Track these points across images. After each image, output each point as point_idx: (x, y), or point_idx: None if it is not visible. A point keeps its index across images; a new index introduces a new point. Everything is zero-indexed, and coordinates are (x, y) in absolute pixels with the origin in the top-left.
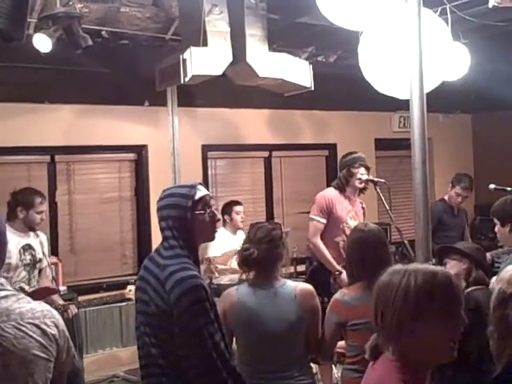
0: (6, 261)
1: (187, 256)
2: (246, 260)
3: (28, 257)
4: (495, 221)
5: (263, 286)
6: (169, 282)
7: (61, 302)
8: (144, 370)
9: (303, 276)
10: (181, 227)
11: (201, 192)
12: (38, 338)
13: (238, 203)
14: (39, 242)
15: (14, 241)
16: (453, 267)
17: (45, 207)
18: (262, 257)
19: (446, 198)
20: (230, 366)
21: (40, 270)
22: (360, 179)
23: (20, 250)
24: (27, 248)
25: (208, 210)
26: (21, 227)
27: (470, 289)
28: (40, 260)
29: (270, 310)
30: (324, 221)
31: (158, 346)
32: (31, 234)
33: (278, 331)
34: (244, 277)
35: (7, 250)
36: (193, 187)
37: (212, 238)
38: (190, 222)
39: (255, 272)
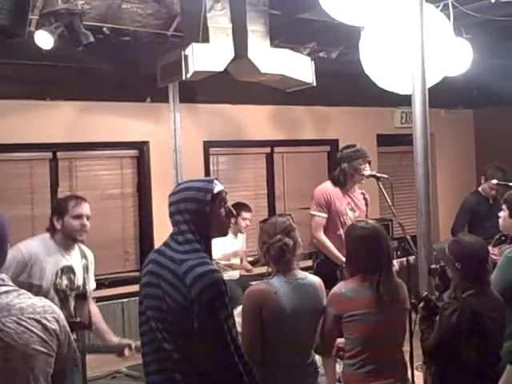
0: (37, 282)
1: (204, 250)
2: (283, 251)
3: (65, 281)
4: (504, 208)
5: (292, 277)
6: (189, 276)
7: (115, 340)
8: (152, 365)
9: (308, 271)
10: (199, 221)
11: (218, 187)
12: (39, 333)
13: (247, 209)
14: (84, 264)
15: (51, 260)
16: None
17: (84, 210)
18: (293, 246)
19: (479, 189)
20: (244, 361)
21: (79, 298)
22: (364, 175)
23: (57, 272)
24: (66, 271)
25: (225, 205)
26: (62, 241)
27: (465, 294)
28: (78, 287)
29: (305, 300)
30: (325, 215)
31: (173, 342)
32: (76, 253)
33: (310, 321)
34: (246, 273)
35: (40, 270)
36: (210, 181)
37: (225, 234)
38: (208, 216)
39: (284, 264)
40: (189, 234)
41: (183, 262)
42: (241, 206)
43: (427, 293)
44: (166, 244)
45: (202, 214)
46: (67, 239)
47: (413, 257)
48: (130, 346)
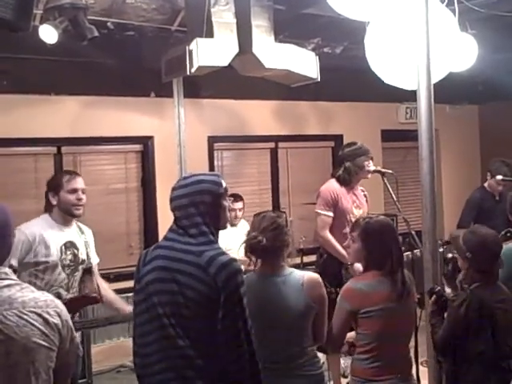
0: (44, 259)
1: (217, 242)
2: (254, 248)
3: (69, 256)
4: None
5: (271, 274)
6: (212, 266)
7: (129, 308)
8: (158, 365)
9: (311, 267)
10: (213, 213)
11: (224, 181)
12: (40, 327)
13: (236, 199)
14: (84, 240)
15: (54, 236)
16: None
17: (78, 184)
18: (270, 245)
19: (485, 185)
20: (254, 350)
21: (85, 273)
22: (368, 171)
23: (61, 248)
24: (69, 246)
25: (228, 199)
26: (60, 217)
27: (472, 286)
28: (83, 262)
29: (278, 298)
30: (331, 214)
31: (187, 337)
32: (75, 228)
33: (287, 320)
34: (252, 267)
35: (45, 248)
36: (218, 175)
37: (225, 227)
38: (219, 208)
39: (262, 261)
40: (203, 226)
41: (202, 253)
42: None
43: (439, 288)
44: (170, 239)
45: (216, 206)
46: (65, 214)
47: (417, 251)
48: None
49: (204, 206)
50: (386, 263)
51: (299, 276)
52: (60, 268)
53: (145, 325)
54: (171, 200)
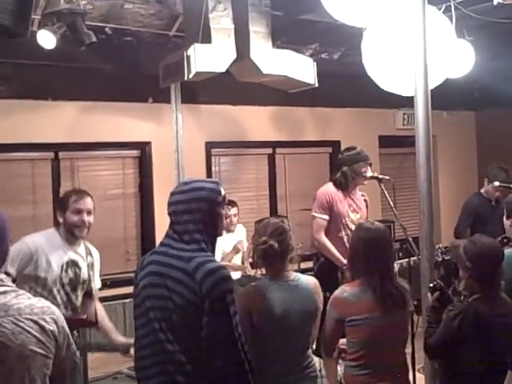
0: (42, 275)
1: (210, 251)
2: (266, 253)
3: (70, 275)
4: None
5: (282, 279)
6: (199, 272)
7: (121, 340)
8: (152, 368)
9: (309, 273)
10: (209, 221)
11: (222, 189)
12: (36, 334)
13: (230, 204)
14: (89, 262)
15: (56, 253)
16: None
17: (83, 205)
18: (281, 249)
19: (482, 191)
20: (248, 358)
21: (85, 296)
22: (365, 177)
23: (63, 266)
24: (71, 265)
25: (225, 208)
26: (65, 235)
27: (471, 298)
28: (84, 282)
29: (296, 302)
30: (326, 217)
31: (177, 343)
32: (81, 249)
33: (302, 324)
34: (258, 273)
35: (46, 262)
36: (217, 183)
37: (221, 234)
38: (216, 216)
39: (268, 266)
40: (196, 233)
41: (191, 259)
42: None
43: (443, 284)
44: (165, 244)
45: (213, 214)
46: (69, 234)
47: (414, 258)
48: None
49: (200, 213)
50: (371, 273)
51: (306, 280)
52: (59, 285)
53: (141, 328)
54: (169, 204)
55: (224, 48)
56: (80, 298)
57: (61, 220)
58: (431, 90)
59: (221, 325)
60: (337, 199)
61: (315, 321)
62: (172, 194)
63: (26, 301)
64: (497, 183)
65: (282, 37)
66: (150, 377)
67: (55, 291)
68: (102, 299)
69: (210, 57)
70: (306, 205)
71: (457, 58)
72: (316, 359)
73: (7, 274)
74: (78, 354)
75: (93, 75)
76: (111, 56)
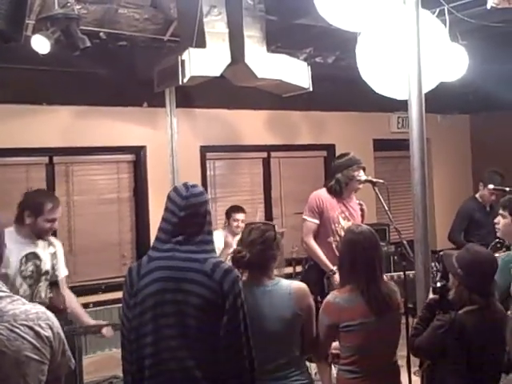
0: (2, 270)
1: (214, 251)
2: (237, 262)
3: (30, 267)
4: (506, 214)
5: (257, 284)
6: (217, 272)
7: (92, 322)
8: (154, 379)
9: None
10: (210, 221)
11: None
12: (31, 340)
13: (239, 210)
14: (50, 252)
15: (16, 249)
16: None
17: (57, 214)
18: (255, 259)
19: (477, 196)
20: (254, 355)
21: (52, 285)
22: (359, 181)
23: (22, 260)
24: (31, 257)
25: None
26: (28, 234)
27: (462, 311)
28: (46, 272)
29: (265, 308)
30: (316, 221)
31: (188, 349)
32: (40, 242)
33: (275, 329)
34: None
35: (5, 258)
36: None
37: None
38: (210, 215)
39: (248, 272)
40: (207, 235)
41: (206, 260)
42: (232, 209)
43: (447, 284)
44: (167, 249)
45: (209, 214)
46: (33, 234)
47: (411, 272)
48: (107, 325)
49: (208, 215)
50: (358, 276)
51: (286, 285)
52: (21, 279)
53: (141, 338)
54: (183, 208)
55: (218, 52)
56: (45, 289)
57: (28, 222)
58: (425, 94)
59: (240, 322)
60: (328, 204)
61: (296, 327)
62: (186, 197)
63: (21, 306)
64: (491, 186)
65: (276, 41)
66: (151, 377)
67: (18, 285)
68: (98, 303)
69: (204, 61)
70: (300, 208)
71: (450, 61)
72: (313, 365)
73: None
74: (72, 359)
75: (87, 80)
76: (106, 61)
